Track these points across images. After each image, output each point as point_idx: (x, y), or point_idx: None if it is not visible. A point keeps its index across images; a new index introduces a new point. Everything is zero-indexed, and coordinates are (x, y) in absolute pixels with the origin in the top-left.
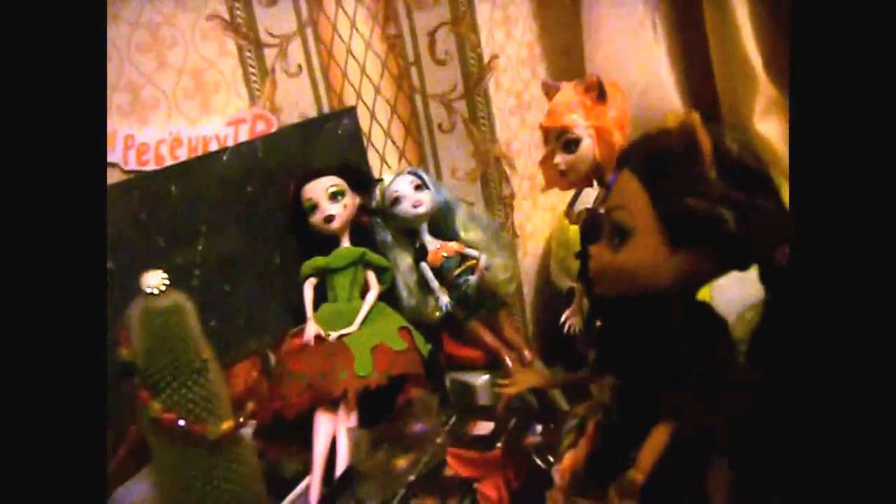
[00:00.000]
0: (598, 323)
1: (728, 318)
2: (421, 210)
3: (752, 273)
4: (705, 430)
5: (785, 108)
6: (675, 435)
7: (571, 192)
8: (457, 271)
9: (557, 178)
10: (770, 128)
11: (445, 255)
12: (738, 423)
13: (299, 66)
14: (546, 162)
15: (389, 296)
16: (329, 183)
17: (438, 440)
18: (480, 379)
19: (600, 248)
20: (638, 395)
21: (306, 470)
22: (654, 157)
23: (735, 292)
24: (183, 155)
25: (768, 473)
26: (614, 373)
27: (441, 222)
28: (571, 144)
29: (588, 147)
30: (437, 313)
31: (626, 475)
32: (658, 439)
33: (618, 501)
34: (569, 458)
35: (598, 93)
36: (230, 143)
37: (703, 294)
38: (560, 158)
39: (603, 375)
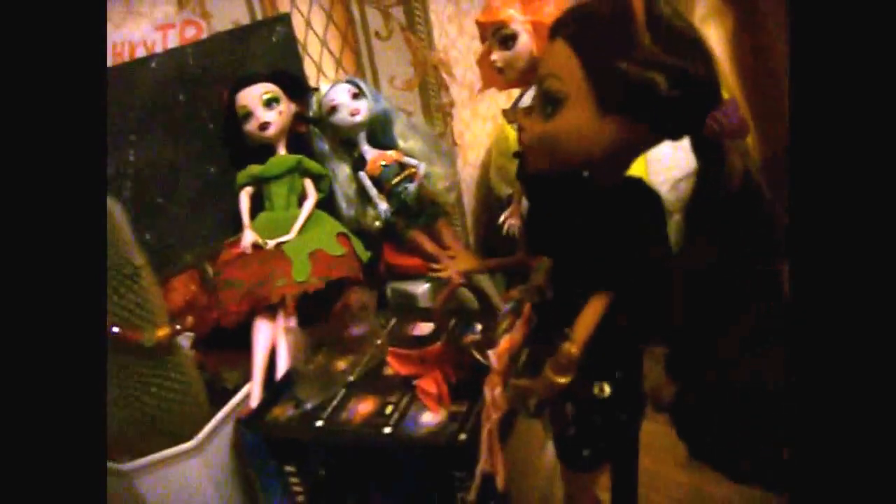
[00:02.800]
0: (530, 204)
1: (662, 188)
2: (359, 118)
3: (686, 143)
4: (641, 303)
5: (723, 14)
6: (611, 308)
7: (511, 97)
8: (395, 180)
9: (494, 76)
10: (708, 36)
11: (384, 163)
12: (672, 299)
13: None
14: (483, 60)
15: (329, 206)
16: (263, 89)
17: (378, 341)
18: (421, 287)
19: (531, 120)
20: (572, 272)
21: (247, 379)
22: (585, 22)
23: (670, 162)
24: (108, 61)
25: (703, 350)
26: (547, 253)
27: (379, 132)
28: (508, 40)
29: (525, 43)
30: (377, 222)
31: (561, 348)
32: (592, 311)
33: (553, 377)
34: (505, 342)
35: None
36: (158, 50)
37: (639, 167)
38: (497, 55)
39: (536, 257)
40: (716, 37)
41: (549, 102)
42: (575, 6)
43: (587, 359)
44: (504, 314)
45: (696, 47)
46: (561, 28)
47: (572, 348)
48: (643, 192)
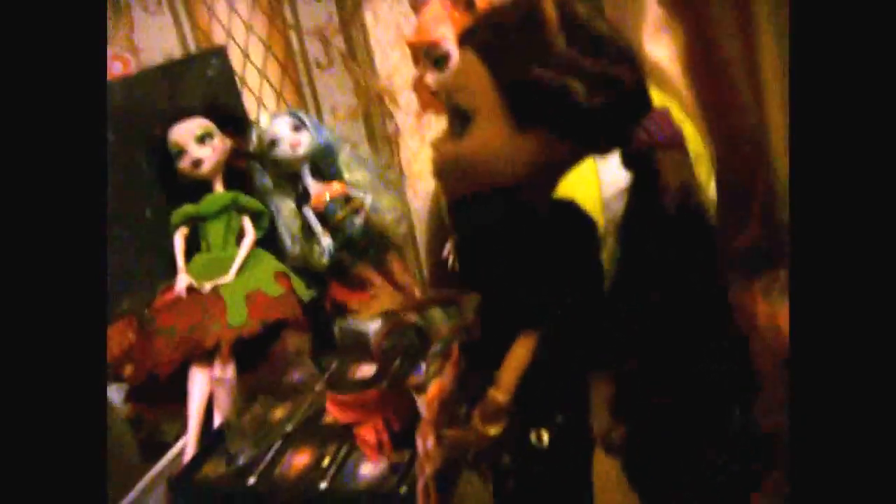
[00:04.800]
0: (456, 233)
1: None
2: (300, 151)
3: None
4: (572, 340)
5: (674, 27)
6: (542, 347)
7: None
8: (341, 213)
9: (431, 99)
10: (660, 50)
11: (329, 197)
12: (612, 331)
13: (159, 2)
14: (418, 83)
15: (272, 244)
16: (196, 125)
17: (317, 387)
18: (373, 325)
19: (442, 140)
20: (499, 308)
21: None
22: (493, 28)
23: (616, 175)
24: None
25: (651, 388)
26: (474, 287)
27: (323, 164)
28: (440, 60)
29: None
30: (324, 259)
31: (487, 397)
32: (519, 353)
33: (481, 427)
34: (434, 387)
35: (467, 4)
36: None
37: (591, 180)
38: (430, 78)
39: (466, 292)
40: (668, 51)
41: (458, 118)
42: (484, 13)
43: (521, 404)
44: (432, 356)
45: (619, 50)
46: (468, 36)
47: (498, 395)
48: (573, 216)
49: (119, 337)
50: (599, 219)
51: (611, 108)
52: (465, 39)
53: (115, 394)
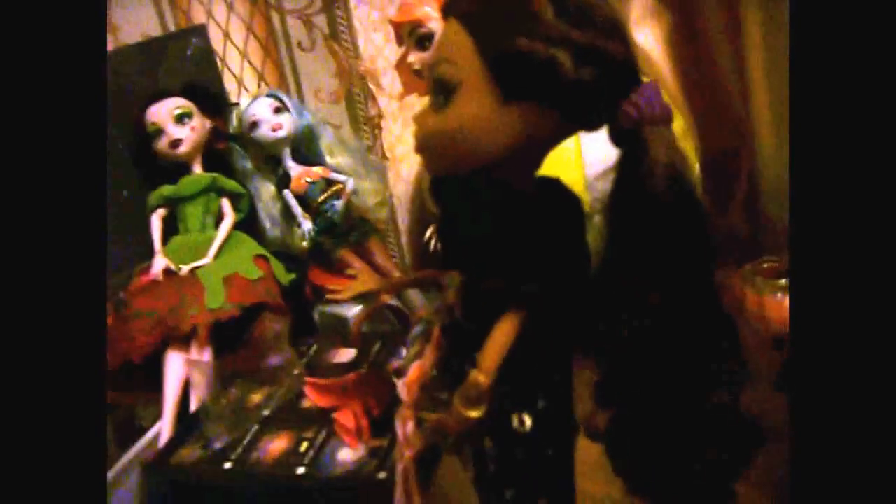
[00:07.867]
0: (438, 211)
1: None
2: (281, 134)
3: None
4: (557, 320)
5: (660, 15)
6: (525, 329)
7: None
8: (322, 197)
9: (415, 80)
10: (645, 36)
11: (309, 180)
12: (596, 313)
13: None
14: (401, 63)
15: (251, 227)
16: (174, 104)
17: (295, 371)
18: (353, 310)
19: (424, 113)
20: (481, 288)
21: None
22: None
23: (603, 152)
24: None
25: (634, 365)
26: (456, 266)
27: (304, 147)
28: (425, 40)
29: None
30: (304, 243)
31: (468, 379)
32: (502, 334)
33: (463, 410)
34: (415, 370)
35: None
36: None
37: (569, 157)
38: (415, 57)
39: (447, 272)
40: (653, 37)
41: (442, 91)
42: None
43: (503, 387)
44: (413, 338)
45: (608, 23)
46: (452, 6)
47: (479, 377)
48: (557, 194)
49: None
50: (584, 197)
51: (599, 81)
52: (448, 9)
53: None
